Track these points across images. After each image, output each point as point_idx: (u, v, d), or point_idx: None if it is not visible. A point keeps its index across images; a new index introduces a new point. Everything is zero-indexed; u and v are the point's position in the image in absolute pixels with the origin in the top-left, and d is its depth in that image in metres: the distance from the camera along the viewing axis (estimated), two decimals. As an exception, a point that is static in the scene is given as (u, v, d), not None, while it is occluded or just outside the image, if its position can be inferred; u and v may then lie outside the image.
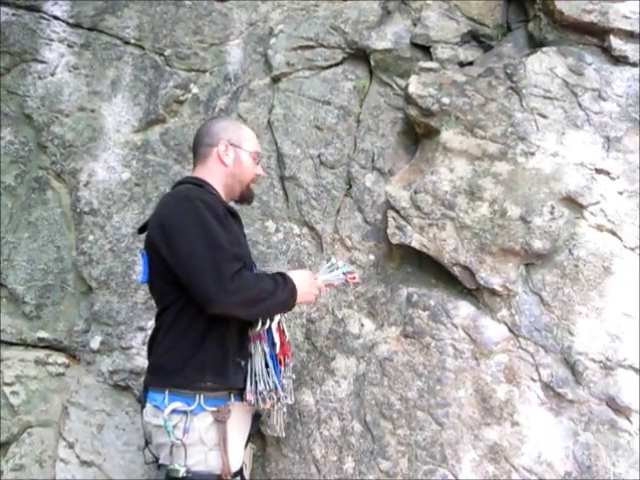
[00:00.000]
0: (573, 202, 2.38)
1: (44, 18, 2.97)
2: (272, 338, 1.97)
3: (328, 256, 2.48)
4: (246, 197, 2.17)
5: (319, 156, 2.74)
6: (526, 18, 2.77)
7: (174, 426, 1.82)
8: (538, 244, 2.34)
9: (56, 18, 2.97)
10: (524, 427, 2.25)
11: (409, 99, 2.57)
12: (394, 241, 2.45)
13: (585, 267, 2.33)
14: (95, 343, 2.70)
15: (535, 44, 2.67)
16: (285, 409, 2.14)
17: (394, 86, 2.79)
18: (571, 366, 2.27)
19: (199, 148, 2.09)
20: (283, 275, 1.99)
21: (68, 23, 2.97)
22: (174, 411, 1.82)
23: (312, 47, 2.89)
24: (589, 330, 2.29)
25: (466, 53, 2.76)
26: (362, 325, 2.48)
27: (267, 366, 1.94)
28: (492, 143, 2.45)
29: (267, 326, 1.96)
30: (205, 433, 1.84)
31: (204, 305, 1.80)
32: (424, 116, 2.55)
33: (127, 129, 2.89)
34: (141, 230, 2.11)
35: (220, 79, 2.94)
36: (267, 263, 2.63)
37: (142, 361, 2.55)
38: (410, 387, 2.35)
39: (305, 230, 2.69)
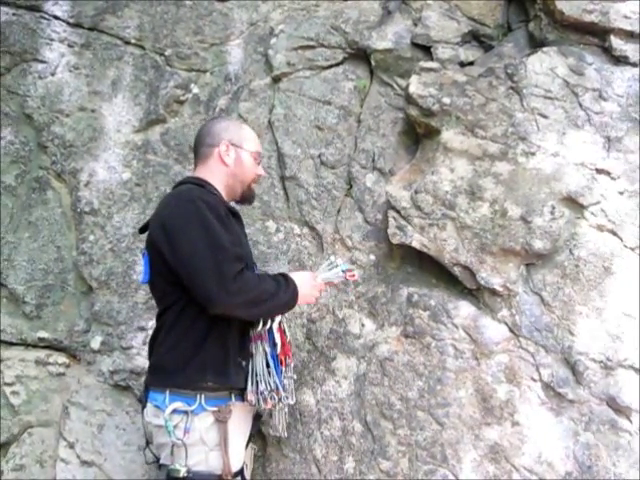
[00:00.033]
0: (574, 202, 2.38)
1: (44, 18, 2.97)
2: (273, 338, 1.98)
3: (328, 255, 2.48)
4: (247, 197, 2.17)
5: (320, 156, 2.74)
6: (527, 18, 2.77)
7: (175, 426, 1.82)
8: (539, 244, 2.34)
9: (56, 18, 2.97)
10: (524, 427, 2.25)
11: (410, 99, 2.57)
12: (395, 241, 2.45)
13: (585, 267, 2.34)
14: (95, 343, 2.70)
15: (536, 44, 2.67)
16: (287, 409, 2.14)
17: (395, 86, 2.79)
18: (571, 366, 2.27)
19: (200, 148, 2.09)
20: (285, 276, 1.99)
21: (68, 23, 2.97)
22: (175, 411, 1.82)
23: (313, 47, 2.89)
24: (589, 330, 2.29)
25: (467, 53, 2.76)
26: (363, 325, 2.48)
27: (268, 366, 1.95)
28: (493, 143, 2.45)
29: (268, 326, 1.96)
30: (206, 433, 1.84)
31: (206, 305, 1.80)
32: (425, 116, 2.54)
33: (127, 129, 2.89)
34: (142, 230, 2.11)
35: (221, 79, 2.94)
36: (268, 263, 2.63)
37: (143, 361, 2.56)
38: (411, 387, 2.35)
39: (306, 230, 2.68)
